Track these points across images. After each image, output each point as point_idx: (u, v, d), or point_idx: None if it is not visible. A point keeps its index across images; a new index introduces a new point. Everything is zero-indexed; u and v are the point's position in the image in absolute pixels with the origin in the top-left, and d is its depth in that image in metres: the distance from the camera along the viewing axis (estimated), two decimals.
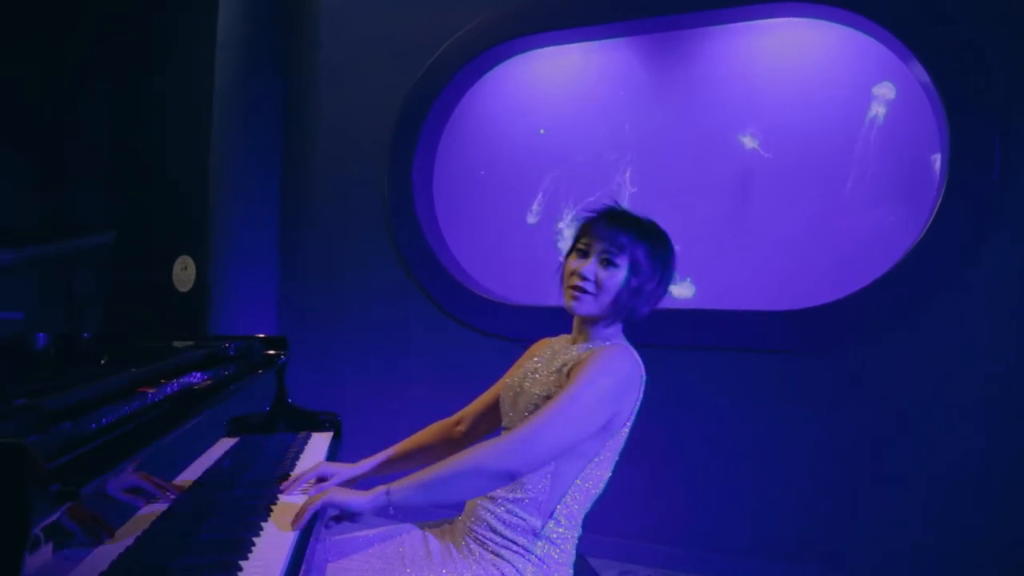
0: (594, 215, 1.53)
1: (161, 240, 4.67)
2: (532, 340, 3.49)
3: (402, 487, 1.32)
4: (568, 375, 1.44)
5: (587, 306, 1.48)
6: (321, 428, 2.19)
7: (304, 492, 1.51)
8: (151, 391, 1.55)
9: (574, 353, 1.49)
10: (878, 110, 3.24)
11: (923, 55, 2.91)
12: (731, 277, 3.39)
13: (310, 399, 4.04)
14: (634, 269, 1.46)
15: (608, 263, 1.47)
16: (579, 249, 1.52)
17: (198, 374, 1.89)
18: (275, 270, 4.20)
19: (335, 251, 4.03)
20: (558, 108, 3.82)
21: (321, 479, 1.57)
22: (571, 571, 1.47)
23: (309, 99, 4.16)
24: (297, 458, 1.84)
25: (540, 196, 3.82)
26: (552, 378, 1.48)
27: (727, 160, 3.46)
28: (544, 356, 1.57)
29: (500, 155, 3.91)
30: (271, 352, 2.24)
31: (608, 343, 1.49)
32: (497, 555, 1.40)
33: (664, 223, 3.45)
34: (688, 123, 3.57)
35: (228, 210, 4.05)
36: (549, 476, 1.41)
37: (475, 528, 1.44)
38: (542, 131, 3.79)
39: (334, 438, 2.14)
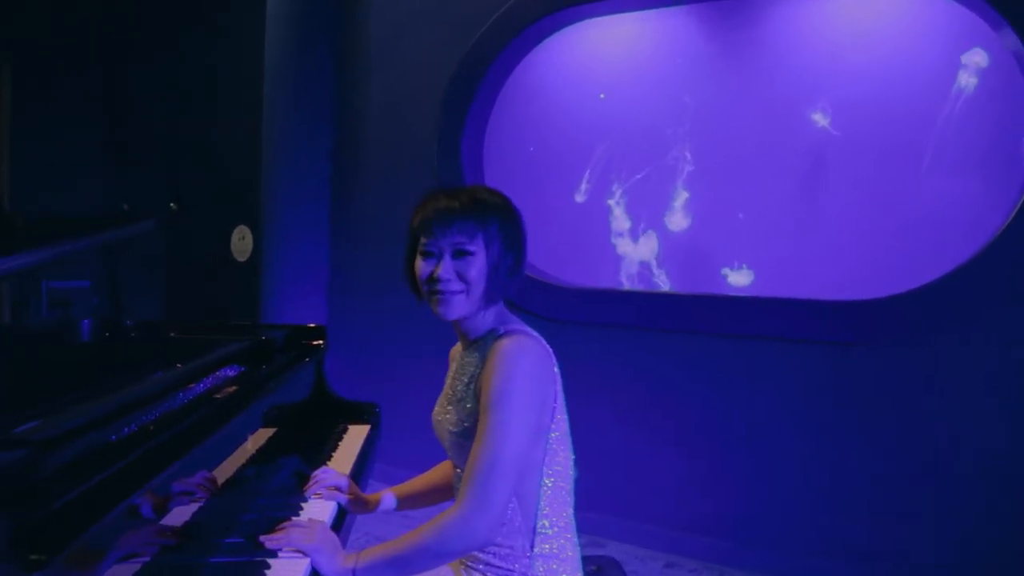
0: (423, 206, 1.37)
1: (219, 211, 4.74)
2: (582, 323, 3.45)
3: (370, 561, 1.24)
4: (477, 394, 1.32)
5: (460, 306, 1.35)
6: (359, 419, 2.16)
7: (319, 497, 1.50)
8: (182, 393, 1.54)
9: (472, 365, 1.38)
10: (967, 80, 2.96)
11: (1017, 22, 2.65)
12: (795, 264, 3.21)
13: (355, 377, 4.10)
14: (492, 248, 1.34)
15: (463, 253, 1.34)
16: (424, 252, 1.37)
17: (234, 368, 1.88)
18: (326, 241, 4.20)
19: (384, 224, 4.00)
20: (613, 79, 3.65)
21: (338, 489, 1.54)
22: (580, 570, 1.39)
23: (359, 72, 4.10)
24: (328, 458, 1.81)
25: (588, 174, 3.68)
26: (462, 404, 1.36)
27: (794, 138, 3.24)
28: (456, 372, 1.45)
29: (551, 129, 3.78)
30: (310, 342, 2.21)
31: (499, 335, 1.34)
32: None
33: (723, 205, 3.26)
34: (753, 97, 3.36)
35: (280, 182, 4.07)
36: (514, 500, 1.32)
37: (469, 563, 1.38)
38: (602, 95, 3.63)
39: (372, 430, 2.11)
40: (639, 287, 3.56)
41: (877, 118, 3.11)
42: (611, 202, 3.65)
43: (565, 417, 1.38)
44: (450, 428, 1.37)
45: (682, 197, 3.45)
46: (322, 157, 4.14)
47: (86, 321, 2.00)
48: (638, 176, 3.57)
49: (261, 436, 1.75)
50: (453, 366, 1.49)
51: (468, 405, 1.34)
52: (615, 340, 3.36)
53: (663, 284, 3.53)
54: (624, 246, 3.60)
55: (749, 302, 3.13)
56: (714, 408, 3.14)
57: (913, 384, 2.80)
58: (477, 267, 1.33)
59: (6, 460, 0.89)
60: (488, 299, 1.36)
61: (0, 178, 4.68)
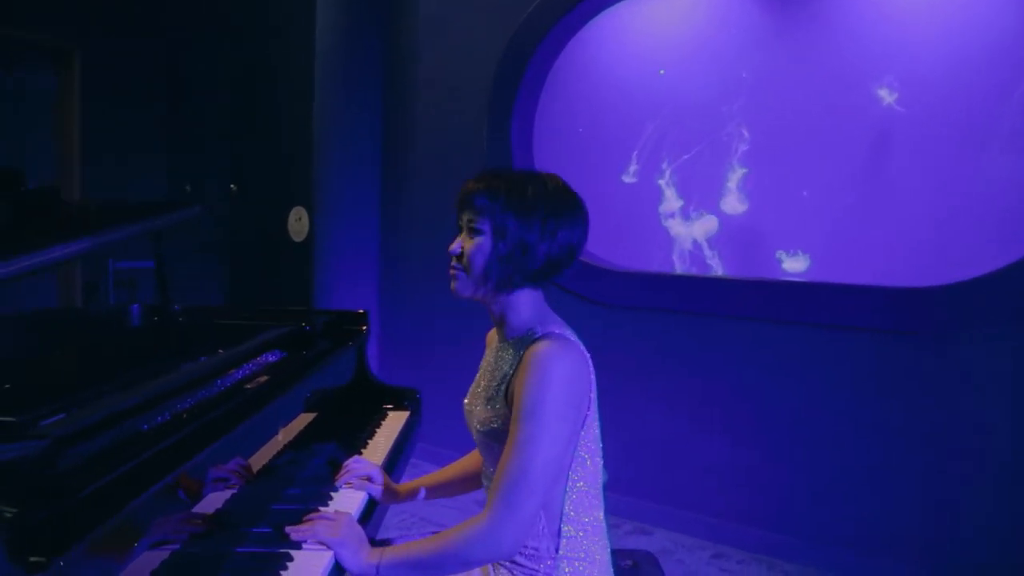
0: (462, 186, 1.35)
1: (276, 192, 4.84)
2: (632, 307, 3.39)
3: (395, 560, 1.23)
4: (508, 397, 1.28)
5: (461, 286, 1.33)
6: (400, 405, 2.17)
7: (350, 486, 1.51)
8: (220, 380, 1.57)
9: (506, 364, 1.33)
10: None
11: None
12: (854, 249, 3.07)
13: (405, 358, 4.14)
14: (499, 231, 1.28)
15: (473, 231, 1.30)
16: (458, 227, 1.35)
17: (275, 354, 1.91)
18: (376, 222, 4.24)
19: (433, 206, 4.00)
20: (666, 54, 3.54)
21: (369, 479, 1.54)
22: (610, 572, 1.36)
23: (408, 52, 4.09)
24: (364, 445, 1.83)
25: (638, 153, 3.59)
26: (492, 403, 1.33)
27: (857, 116, 3.08)
28: (490, 363, 1.41)
29: (602, 107, 3.69)
30: (352, 327, 2.23)
31: (536, 337, 1.29)
32: None
33: (780, 186, 3.13)
34: (813, 71, 3.20)
35: (331, 163, 4.12)
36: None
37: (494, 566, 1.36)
38: (661, 71, 3.53)
39: (412, 416, 2.12)
40: (691, 270, 3.48)
41: (947, 94, 2.93)
42: (661, 182, 3.56)
43: (597, 421, 1.34)
44: (478, 426, 1.35)
45: (736, 177, 3.33)
46: (372, 140, 4.16)
47: (135, 306, 2.06)
48: (690, 155, 3.46)
49: (301, 421, 1.78)
50: (488, 353, 1.46)
51: (498, 406, 1.31)
52: (665, 325, 3.29)
53: (716, 267, 3.43)
54: (676, 227, 3.51)
55: (805, 287, 3.01)
56: (766, 396, 3.05)
57: (975, 377, 2.65)
58: (476, 246, 1.29)
59: (27, 452, 0.92)
60: (498, 284, 1.30)
61: (72, 160, 4.87)
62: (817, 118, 3.16)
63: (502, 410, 1.29)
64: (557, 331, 1.30)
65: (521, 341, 1.32)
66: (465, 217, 1.32)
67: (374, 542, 1.38)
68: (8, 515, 0.85)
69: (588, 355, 1.32)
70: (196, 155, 5.28)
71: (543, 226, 1.29)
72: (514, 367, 1.29)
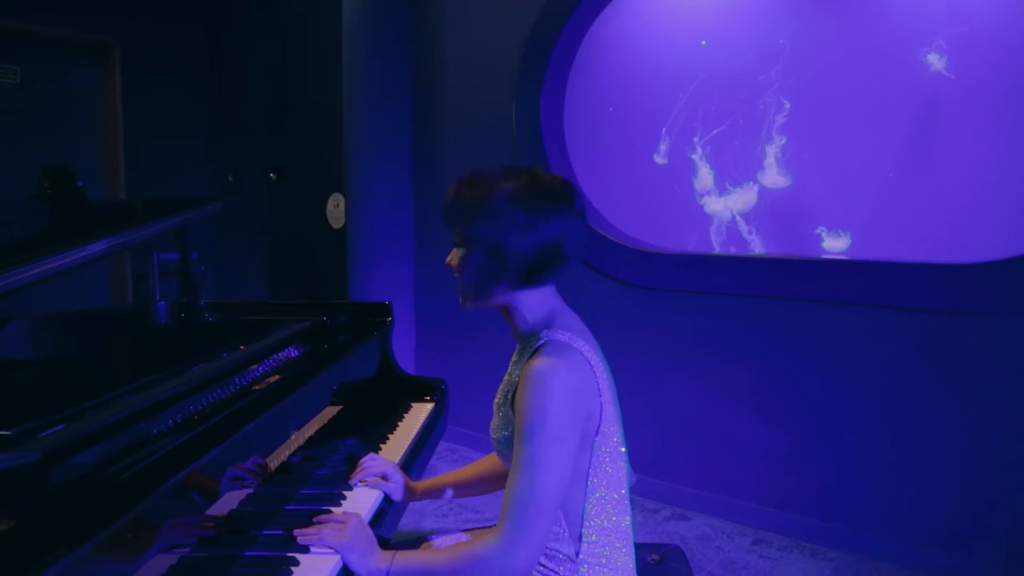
0: None
1: (314, 179, 4.88)
2: (670, 289, 3.31)
3: (405, 567, 1.21)
4: (515, 407, 1.23)
5: (462, 299, 1.32)
6: (423, 397, 2.16)
7: (364, 484, 1.50)
8: (238, 378, 1.57)
9: (517, 368, 1.30)
10: None
11: None
12: (900, 224, 2.93)
13: (441, 344, 4.14)
14: (471, 239, 1.27)
15: (457, 244, 1.31)
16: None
17: (297, 349, 1.91)
18: (410, 207, 4.23)
19: None
20: (700, 22, 3.41)
21: (384, 477, 1.53)
22: (634, 574, 1.33)
23: (436, 29, 4.04)
24: (384, 440, 1.82)
25: (667, 129, 3.48)
26: (502, 411, 1.31)
27: (904, 83, 2.92)
28: (510, 367, 1.38)
29: (634, 82, 3.58)
30: (376, 319, 2.22)
31: (537, 345, 1.25)
32: None
33: (820, 159, 2.99)
34: (856, 36, 3.04)
35: (362, 147, 4.11)
36: (559, 510, 1.25)
37: None
38: (704, 42, 3.41)
39: (436, 408, 2.11)
40: (729, 249, 3.37)
41: (999, 59, 2.75)
42: (695, 157, 3.44)
43: (617, 428, 1.29)
44: (492, 433, 1.33)
45: (774, 150, 3.20)
46: (402, 123, 4.14)
47: (162, 304, 2.08)
48: (725, 128, 3.34)
49: (326, 415, 1.78)
50: (515, 355, 1.42)
51: (508, 415, 1.28)
52: (703, 306, 3.21)
53: (754, 245, 3.32)
54: (712, 204, 3.40)
55: (847, 265, 2.89)
56: (807, 379, 2.95)
57: None
58: (463, 258, 1.29)
59: (20, 464, 0.92)
60: (486, 294, 1.29)
61: (116, 153, 4.98)
62: (860, 86, 3.01)
63: (511, 419, 1.26)
64: (560, 338, 1.25)
65: (527, 348, 1.30)
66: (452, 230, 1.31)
67: (385, 542, 1.36)
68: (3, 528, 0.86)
69: (595, 358, 1.26)
70: (236, 144, 5.35)
71: (516, 224, 1.23)
72: (520, 375, 1.25)
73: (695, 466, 3.25)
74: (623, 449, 1.31)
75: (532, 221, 1.23)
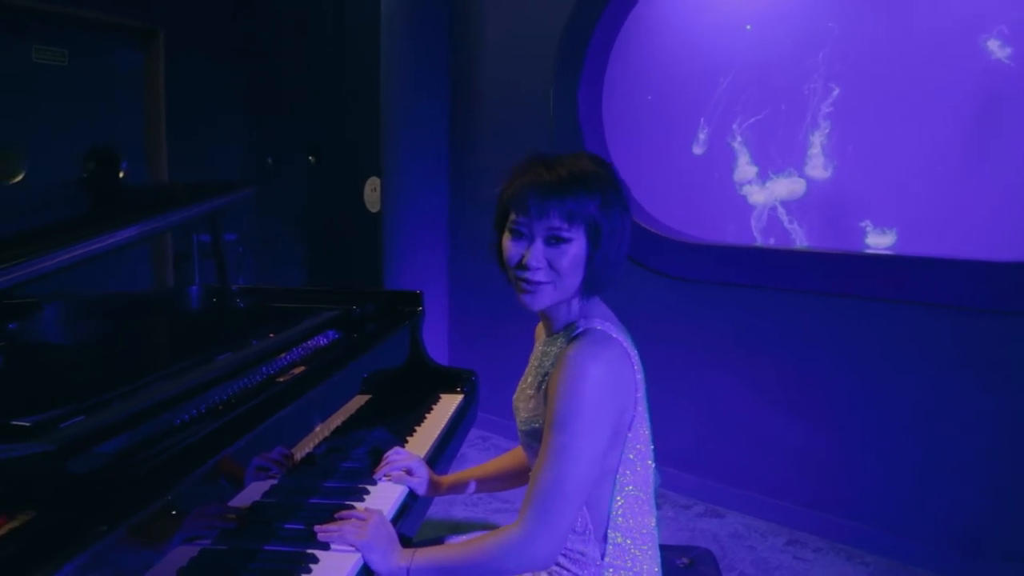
0: (517, 178, 1.20)
1: (351, 163, 4.89)
2: (707, 281, 3.23)
3: (425, 564, 1.19)
4: (546, 398, 1.19)
5: (546, 296, 1.20)
6: (453, 388, 2.13)
7: (389, 478, 1.48)
8: (264, 367, 1.56)
9: (548, 360, 1.25)
10: None
11: None
12: (952, 224, 2.80)
13: (475, 331, 4.13)
14: (593, 234, 1.17)
15: (558, 240, 1.17)
16: (513, 231, 1.20)
17: (326, 337, 1.90)
18: (446, 192, 4.21)
19: (498, 176, 3.93)
20: (747, 3, 3.29)
21: (409, 472, 1.51)
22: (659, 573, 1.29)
23: (474, 14, 3.99)
24: (411, 432, 1.80)
25: (706, 118, 3.38)
26: (532, 403, 1.26)
27: (961, 71, 2.78)
28: (536, 358, 1.33)
29: (673, 69, 3.49)
30: (407, 308, 2.20)
31: (574, 334, 1.20)
32: None
33: (869, 150, 2.85)
34: (912, 20, 2.90)
35: (399, 132, 4.10)
36: (584, 507, 1.22)
37: None
38: (748, 27, 3.30)
39: (465, 400, 2.08)
40: (770, 241, 3.28)
41: None
42: (735, 144, 3.34)
43: (646, 422, 1.25)
44: (520, 425, 1.29)
45: (820, 139, 3.09)
46: (439, 108, 4.11)
47: (194, 288, 2.09)
48: (766, 116, 3.23)
49: (354, 404, 1.77)
50: (536, 347, 1.39)
51: (540, 406, 1.24)
52: (741, 299, 3.13)
53: (796, 235, 3.21)
54: (754, 194, 3.30)
55: (891, 261, 2.78)
56: (847, 376, 2.86)
57: None
58: (571, 256, 1.17)
59: (40, 454, 0.92)
60: (583, 291, 1.21)
61: (159, 136, 5.05)
62: (913, 73, 2.88)
63: (542, 410, 1.22)
64: (598, 326, 1.21)
65: (563, 335, 1.25)
66: (540, 225, 1.17)
67: (407, 540, 1.35)
68: (25, 518, 0.86)
69: (632, 352, 1.23)
70: (276, 128, 5.38)
71: (622, 221, 1.21)
72: (554, 364, 1.22)
73: (730, 462, 3.19)
74: (652, 447, 1.27)
75: (628, 215, 1.23)
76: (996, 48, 2.72)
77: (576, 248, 1.17)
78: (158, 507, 0.98)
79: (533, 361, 1.34)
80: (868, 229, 2.98)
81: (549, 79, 3.63)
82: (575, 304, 1.25)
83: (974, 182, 2.77)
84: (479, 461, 3.22)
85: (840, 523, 2.89)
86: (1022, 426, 2.50)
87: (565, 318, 1.26)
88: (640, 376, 1.23)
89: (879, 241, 2.95)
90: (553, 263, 1.17)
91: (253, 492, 1.27)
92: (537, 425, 1.23)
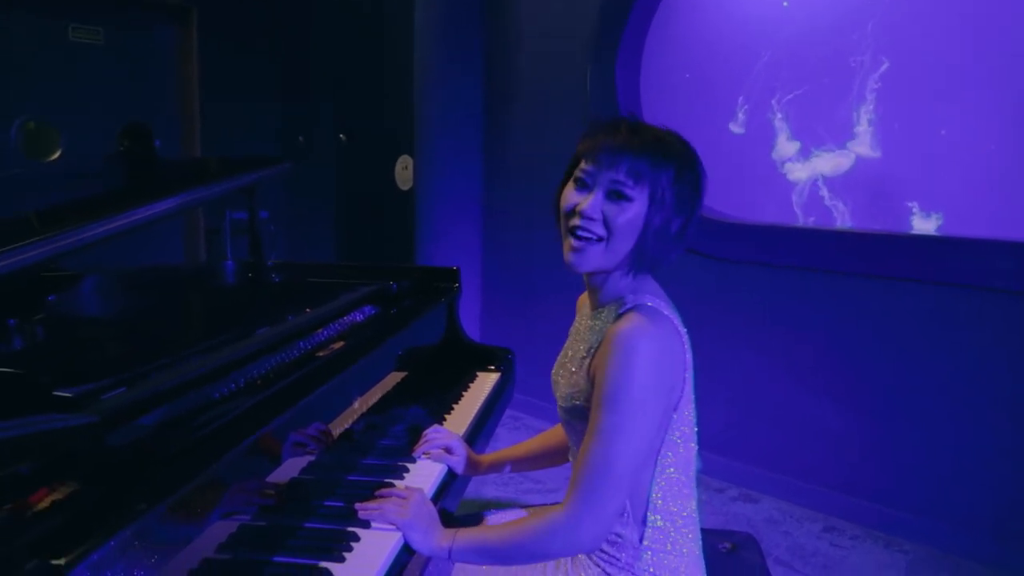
0: (598, 131, 1.15)
1: (383, 141, 4.88)
2: (746, 262, 3.16)
3: (467, 546, 1.17)
4: (592, 374, 1.15)
5: (594, 258, 1.15)
6: (488, 366, 2.11)
7: (428, 456, 1.46)
8: (302, 342, 1.55)
9: (593, 335, 1.20)
10: None
11: None
12: (1001, 206, 2.68)
13: (506, 310, 4.10)
14: (657, 202, 1.12)
15: (619, 196, 1.12)
16: (578, 179, 1.16)
17: (363, 313, 1.88)
18: (479, 172, 4.18)
19: (534, 156, 3.88)
20: None
21: (448, 450, 1.48)
22: (701, 568, 1.25)
23: None
24: (449, 410, 1.78)
25: (745, 95, 3.27)
26: (575, 378, 1.21)
27: (1016, 50, 2.65)
28: (578, 330, 1.28)
29: (713, 47, 3.39)
30: (443, 284, 2.17)
31: (623, 309, 1.15)
32: (606, 572, 1.22)
33: (917, 126, 2.75)
34: None
35: (433, 112, 4.08)
36: None
37: None
38: (785, 3, 3.19)
39: (502, 378, 2.06)
40: (810, 218, 3.18)
41: None
42: (776, 120, 3.24)
43: (692, 403, 1.21)
44: (560, 401, 1.25)
45: (867, 115, 2.98)
46: (473, 87, 4.07)
47: (229, 263, 2.08)
48: (811, 90, 3.12)
49: (390, 381, 1.75)
50: (578, 320, 1.35)
51: (581, 381, 1.20)
52: (780, 281, 3.06)
53: (837, 213, 3.11)
54: (796, 172, 3.20)
55: (936, 242, 2.69)
56: (888, 361, 2.78)
57: None
58: (628, 216, 1.12)
59: (80, 426, 0.90)
60: (635, 263, 1.16)
61: (193, 114, 5.07)
62: (967, 47, 2.75)
63: (584, 387, 1.18)
64: (648, 302, 1.17)
65: (610, 311, 1.20)
66: (607, 175, 1.13)
67: (448, 517, 1.32)
68: (67, 490, 0.85)
69: (683, 330, 1.18)
70: (308, 106, 5.37)
71: (691, 203, 1.17)
72: (600, 340, 1.18)
73: (765, 446, 3.13)
74: (696, 429, 1.23)
75: (702, 200, 1.19)
76: None
77: (636, 209, 1.13)
78: (199, 482, 0.96)
79: (575, 334, 1.31)
80: (915, 210, 2.88)
81: (586, 57, 3.56)
82: (624, 278, 1.20)
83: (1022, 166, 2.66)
84: (510, 441, 3.21)
85: (877, 509, 2.83)
86: None
87: (613, 291, 1.21)
88: (689, 356, 1.19)
89: (923, 225, 2.85)
90: (609, 219, 1.13)
91: (290, 468, 1.26)
92: (579, 402, 1.20)
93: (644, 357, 1.09)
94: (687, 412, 1.19)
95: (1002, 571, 2.54)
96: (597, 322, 1.22)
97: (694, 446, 1.22)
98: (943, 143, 2.82)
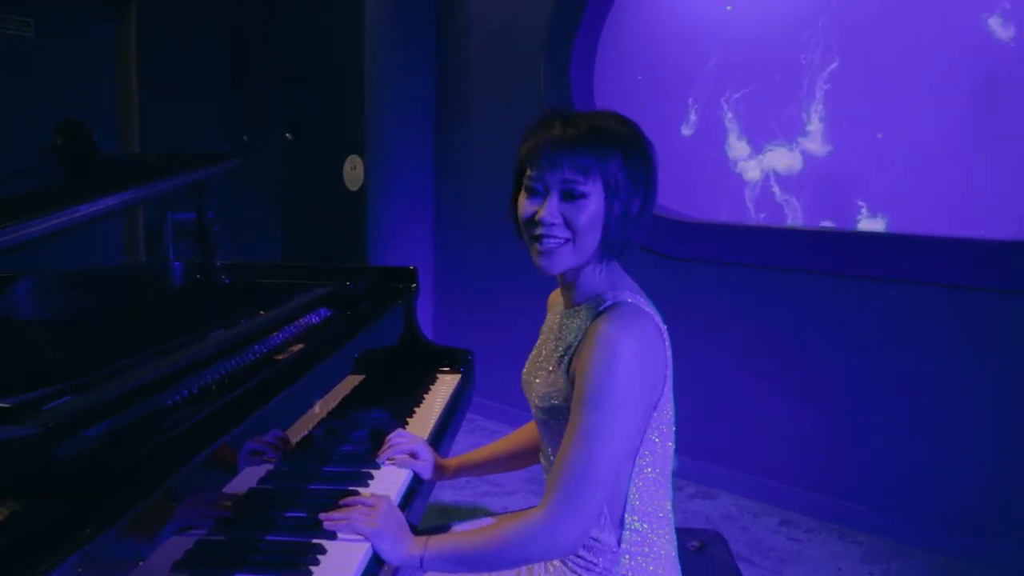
0: (533, 133, 1.14)
1: (331, 141, 4.77)
2: (698, 260, 3.19)
3: (439, 553, 1.12)
4: (572, 373, 1.13)
5: (564, 258, 1.13)
6: (450, 368, 2.06)
7: (392, 462, 1.41)
8: (258, 345, 1.48)
9: (571, 333, 1.17)
10: None
11: None
12: (947, 204, 2.75)
13: (460, 312, 4.05)
14: (612, 191, 1.10)
15: (574, 195, 1.10)
16: (528, 187, 1.14)
17: (319, 315, 1.82)
18: (431, 171, 4.12)
19: (488, 154, 3.84)
20: None
21: (413, 455, 1.43)
22: (677, 570, 1.23)
23: None
24: (411, 414, 1.72)
25: (696, 94, 3.30)
26: (552, 377, 1.18)
27: (963, 52, 2.71)
28: (552, 329, 1.26)
29: (665, 44, 3.41)
30: (400, 285, 2.12)
31: (604, 307, 1.14)
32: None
33: (865, 125, 2.79)
34: None
35: (384, 110, 4.00)
36: None
37: None
38: (729, 8, 3.22)
39: (462, 380, 2.02)
40: (760, 215, 3.22)
41: None
42: (726, 119, 3.26)
43: (671, 404, 1.19)
44: (536, 401, 1.21)
45: (817, 113, 3.03)
46: (425, 84, 4.01)
47: (177, 264, 1.99)
48: (762, 88, 3.15)
49: (347, 385, 1.69)
50: (550, 318, 1.32)
51: (560, 380, 1.17)
52: (732, 278, 3.09)
53: (791, 210, 3.16)
54: (749, 171, 3.24)
55: (889, 239, 2.76)
56: (840, 356, 2.84)
57: None
58: (589, 213, 1.10)
59: (21, 439, 0.83)
60: (603, 253, 1.14)
61: (132, 109, 4.88)
62: (911, 51, 2.82)
63: (564, 386, 1.15)
64: (629, 299, 1.15)
65: (589, 306, 1.17)
66: (554, 177, 1.11)
67: (413, 527, 1.27)
68: (6, 510, 0.77)
69: (663, 327, 1.17)
70: (253, 103, 5.22)
71: (645, 182, 1.13)
72: (579, 337, 1.15)
73: (721, 443, 3.16)
74: (674, 428, 1.21)
75: (654, 177, 1.15)
76: (997, 27, 2.67)
77: (594, 203, 1.11)
78: (154, 499, 0.89)
79: (548, 333, 1.27)
80: (863, 208, 2.94)
81: (540, 56, 3.54)
82: (598, 272, 1.17)
83: (969, 164, 2.73)
84: (466, 443, 3.16)
85: (834, 503, 2.88)
86: (1016, 404, 2.49)
87: (588, 288, 1.19)
88: (670, 353, 1.17)
89: (870, 224, 2.91)
90: (570, 220, 1.11)
91: (248, 478, 1.19)
92: (557, 401, 1.16)
93: (628, 355, 1.07)
94: (667, 410, 1.17)
95: (951, 559, 2.61)
96: (575, 320, 1.19)
97: (671, 445, 1.20)
98: (889, 142, 2.88)
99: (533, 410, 1.24)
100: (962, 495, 2.61)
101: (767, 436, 3.04)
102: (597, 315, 1.13)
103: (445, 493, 3.08)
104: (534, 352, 1.29)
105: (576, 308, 1.20)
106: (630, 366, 1.07)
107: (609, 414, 1.06)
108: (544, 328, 1.31)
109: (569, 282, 1.20)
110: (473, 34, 3.88)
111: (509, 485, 3.14)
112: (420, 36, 3.93)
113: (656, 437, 1.16)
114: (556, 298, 1.32)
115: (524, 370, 1.30)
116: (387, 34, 3.89)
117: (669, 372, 1.17)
